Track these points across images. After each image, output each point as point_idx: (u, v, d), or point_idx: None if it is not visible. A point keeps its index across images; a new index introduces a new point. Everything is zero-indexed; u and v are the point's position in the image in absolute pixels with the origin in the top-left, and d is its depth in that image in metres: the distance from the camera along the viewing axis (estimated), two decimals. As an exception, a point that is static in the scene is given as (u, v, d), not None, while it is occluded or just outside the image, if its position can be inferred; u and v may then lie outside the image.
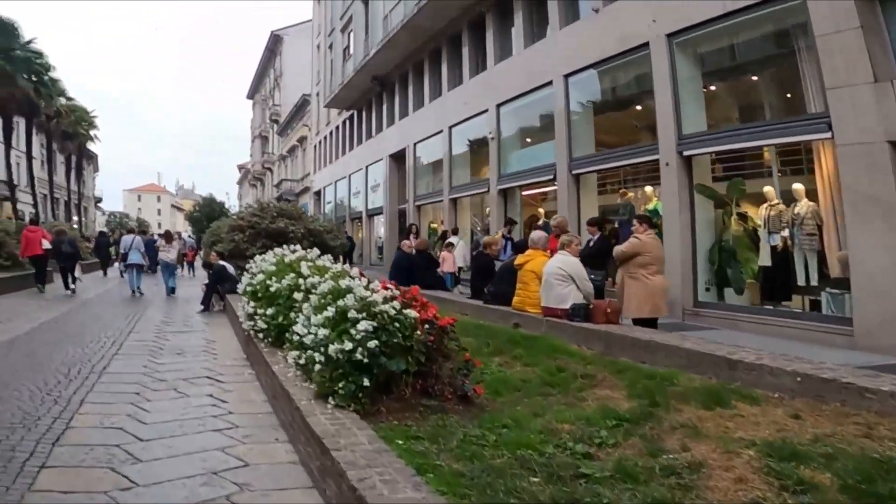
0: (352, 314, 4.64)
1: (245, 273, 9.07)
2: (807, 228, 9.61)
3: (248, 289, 8.20)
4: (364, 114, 31.60)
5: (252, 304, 7.69)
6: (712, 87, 11.99)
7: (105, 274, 25.67)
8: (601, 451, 3.77)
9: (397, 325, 4.64)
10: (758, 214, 10.60)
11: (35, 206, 38.08)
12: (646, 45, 12.06)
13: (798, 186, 9.86)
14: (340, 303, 4.84)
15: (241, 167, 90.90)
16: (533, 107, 16.81)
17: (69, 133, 43.37)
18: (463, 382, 4.99)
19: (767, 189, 10.42)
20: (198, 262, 29.24)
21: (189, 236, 40.16)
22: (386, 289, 5.06)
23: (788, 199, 10.03)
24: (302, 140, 48.04)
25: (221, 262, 14.03)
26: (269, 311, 7.01)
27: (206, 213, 47.74)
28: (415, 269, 13.07)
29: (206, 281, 14.78)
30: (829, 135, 8.79)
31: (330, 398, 4.43)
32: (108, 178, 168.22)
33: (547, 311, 8.11)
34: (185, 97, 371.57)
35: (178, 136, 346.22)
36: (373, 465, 3.25)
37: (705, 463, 3.47)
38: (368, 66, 26.78)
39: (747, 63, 11.33)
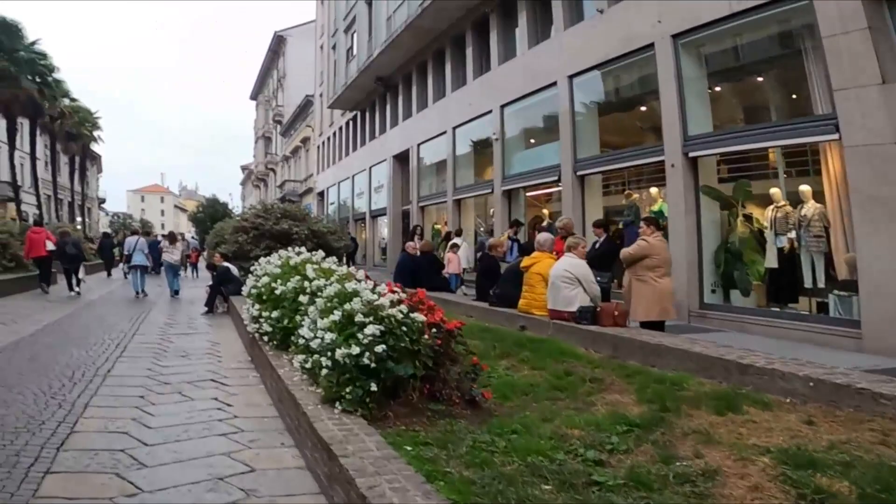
0: (359, 318, 4.60)
1: (250, 275, 9.03)
2: (814, 230, 9.55)
3: (253, 291, 8.16)
4: (367, 115, 31.58)
5: (257, 306, 7.65)
6: (718, 88, 11.93)
7: (109, 275, 25.68)
8: (613, 457, 3.72)
9: (405, 329, 4.60)
10: (764, 216, 10.53)
11: (39, 207, 38.10)
12: (651, 45, 12.01)
13: (805, 188, 9.80)
14: (347, 306, 4.79)
15: (244, 168, 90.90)
16: (537, 108, 16.76)
17: (73, 134, 43.37)
18: (471, 387, 4.95)
19: (774, 191, 10.37)
20: (201, 264, 29.25)
21: (192, 237, 40.21)
22: (393, 292, 5.02)
23: (795, 200, 9.98)
24: (305, 141, 48.05)
25: (225, 264, 14.00)
26: (275, 314, 6.97)
27: (210, 213, 47.85)
28: (419, 270, 13.03)
29: (210, 282, 14.75)
30: (836, 136, 8.73)
31: (337, 403, 4.38)
32: (111, 178, 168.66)
33: (553, 313, 8.05)
34: (187, 97, 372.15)
35: (178, 136, 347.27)
36: (382, 473, 3.21)
37: (720, 471, 3.41)
38: (372, 67, 26.77)
39: (753, 64, 11.27)
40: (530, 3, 16.97)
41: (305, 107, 46.85)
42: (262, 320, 7.27)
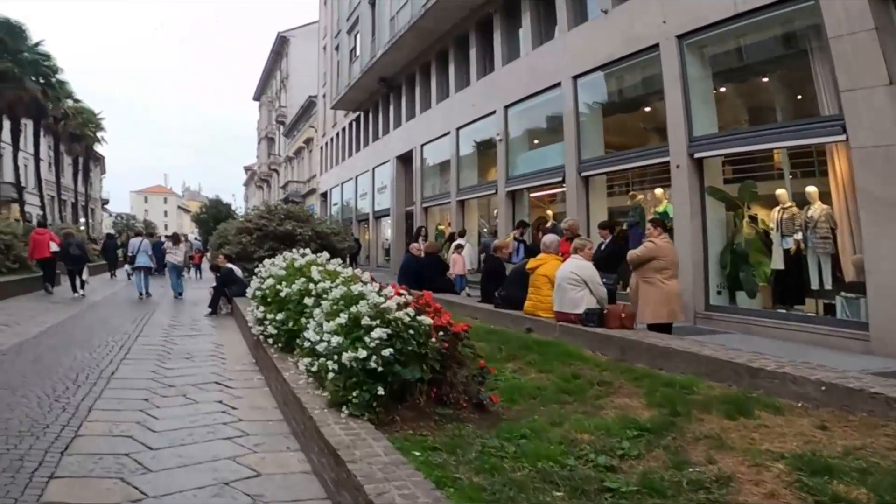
0: (365, 321, 4.55)
1: (254, 277, 8.99)
2: (820, 232, 9.48)
3: (258, 293, 8.12)
4: (371, 115, 31.54)
5: (261, 308, 7.60)
6: (723, 89, 11.86)
7: (113, 276, 25.68)
8: (624, 463, 3.66)
9: (412, 332, 4.55)
10: (770, 217, 10.47)
11: (42, 208, 38.14)
12: (656, 46, 11.94)
13: (811, 189, 9.74)
14: (353, 309, 4.75)
15: (247, 169, 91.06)
16: (541, 108, 16.70)
17: (76, 135, 43.50)
18: (478, 390, 4.90)
19: (780, 192, 10.30)
20: (205, 265, 29.24)
21: (196, 238, 40.21)
22: (399, 294, 4.97)
23: (801, 201, 9.91)
24: (308, 142, 48.07)
25: (229, 265, 13.97)
26: (279, 317, 6.92)
27: (213, 214, 47.91)
28: (423, 272, 12.99)
29: (214, 284, 14.73)
30: (843, 137, 8.67)
31: (344, 407, 4.33)
32: (113, 179, 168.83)
33: (560, 315, 8.00)
34: (187, 97, 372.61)
35: (178, 136, 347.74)
36: (390, 479, 3.16)
37: (734, 477, 3.35)
38: (375, 68, 26.73)
39: (758, 64, 11.20)
40: (534, 4, 16.90)
41: (308, 108, 46.85)
42: (266, 322, 7.23)
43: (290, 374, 5.59)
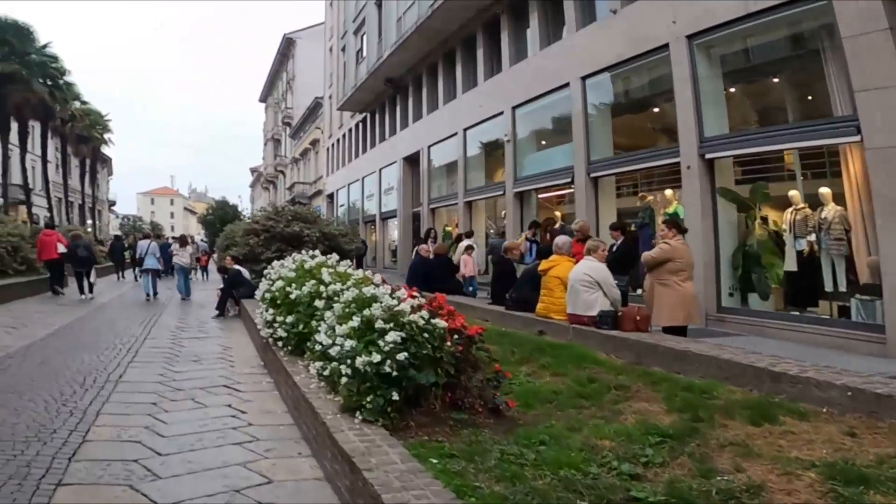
0: (379, 324, 4.45)
1: (263, 279, 8.90)
2: (834, 233, 9.38)
3: (267, 296, 8.03)
4: (377, 116, 31.50)
5: (271, 311, 7.51)
6: (734, 89, 11.76)
7: (121, 277, 25.70)
8: (649, 471, 3.54)
9: (426, 335, 4.44)
10: (782, 219, 10.36)
11: (50, 209, 38.21)
12: (665, 46, 11.86)
13: (825, 190, 9.64)
14: (366, 312, 4.65)
15: (253, 170, 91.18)
16: (549, 109, 16.62)
17: (84, 137, 43.52)
18: (493, 395, 4.78)
19: (793, 193, 10.19)
20: (211, 266, 29.24)
21: (202, 240, 40.21)
22: (412, 297, 4.87)
23: (813, 203, 9.81)
24: (314, 143, 48.06)
25: (236, 267, 13.91)
26: (289, 319, 6.82)
27: (220, 216, 47.87)
28: (432, 273, 12.89)
29: (221, 285, 14.66)
30: (857, 138, 8.58)
31: (357, 412, 4.23)
32: (116, 180, 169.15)
33: (573, 318, 7.88)
34: (187, 97, 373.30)
35: (178, 136, 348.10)
36: (408, 488, 3.05)
37: (764, 486, 3.23)
38: (382, 69, 26.69)
39: (770, 64, 11.13)
40: (541, 4, 16.83)
41: (315, 109, 46.84)
42: (276, 325, 7.14)
43: (300, 378, 5.50)
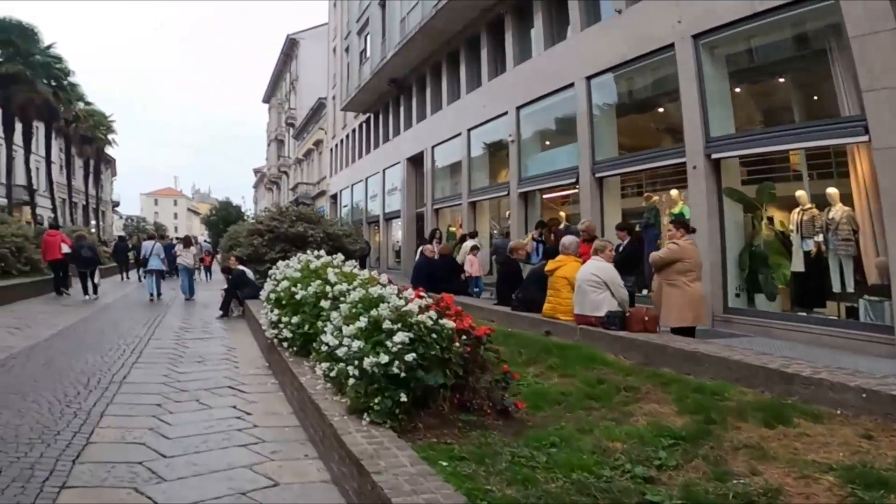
0: (387, 325, 4.40)
1: (268, 279, 8.86)
2: (842, 234, 9.30)
3: (272, 296, 7.97)
4: (381, 117, 31.44)
5: (276, 311, 7.45)
6: (740, 89, 11.68)
7: (125, 278, 25.70)
8: (663, 474, 3.48)
9: (434, 336, 4.39)
10: (789, 219, 10.29)
11: (54, 210, 38.25)
12: (671, 46, 11.79)
13: (832, 191, 9.56)
14: (374, 312, 4.60)
15: (256, 171, 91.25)
16: (553, 109, 16.56)
17: (87, 137, 43.65)
18: (502, 396, 4.73)
19: (800, 193, 10.12)
20: (214, 267, 29.24)
21: (205, 241, 40.24)
22: (419, 297, 4.82)
23: (820, 203, 9.74)
24: (318, 143, 48.02)
25: (241, 267, 13.88)
26: (295, 320, 6.77)
27: (223, 216, 47.95)
28: (437, 274, 12.84)
29: (225, 286, 14.63)
30: (865, 138, 8.51)
31: (365, 414, 4.17)
32: (118, 180, 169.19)
33: (580, 318, 7.81)
34: (186, 97, 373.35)
35: (178, 136, 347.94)
36: (419, 491, 3.00)
37: (782, 490, 3.16)
38: (385, 69, 26.61)
39: (776, 64, 11.04)
40: (546, 4, 16.75)
41: (318, 109, 46.82)
42: (281, 325, 7.09)
43: (306, 380, 5.45)
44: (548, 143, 17.48)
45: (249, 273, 13.59)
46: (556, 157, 16.43)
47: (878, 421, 4.21)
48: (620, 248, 9.55)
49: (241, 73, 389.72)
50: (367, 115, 33.46)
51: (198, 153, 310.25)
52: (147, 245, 18.71)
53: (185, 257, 18.12)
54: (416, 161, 26.33)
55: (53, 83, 33.14)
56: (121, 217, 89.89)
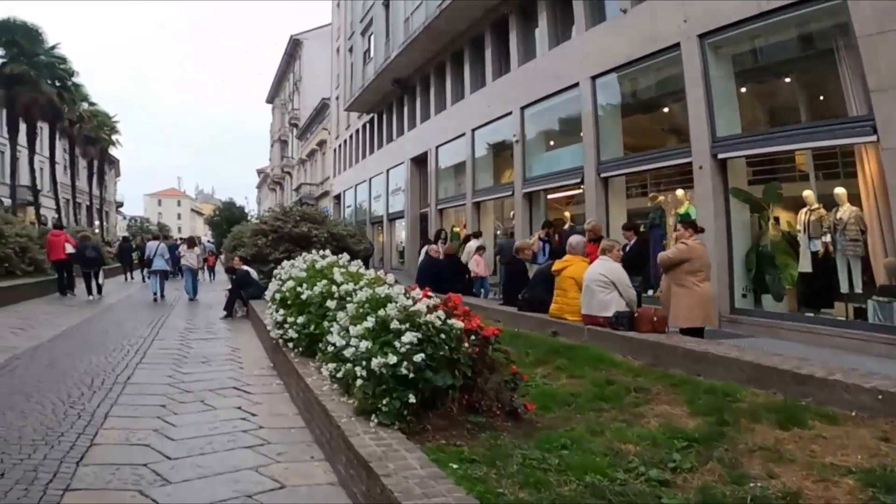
0: (394, 325, 4.34)
1: (273, 279, 8.80)
2: (850, 234, 9.23)
3: (277, 296, 7.92)
4: (385, 117, 31.40)
5: (281, 311, 7.39)
6: (746, 89, 11.60)
7: (130, 278, 25.70)
8: (678, 477, 3.41)
9: (443, 336, 4.33)
10: (796, 219, 10.21)
11: (58, 210, 38.31)
12: (676, 45, 11.73)
13: (840, 191, 9.49)
14: (381, 312, 4.54)
15: (260, 171, 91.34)
16: (558, 109, 16.49)
17: (91, 138, 43.68)
18: (511, 397, 4.67)
19: (807, 193, 10.05)
20: (218, 267, 29.22)
21: (209, 241, 40.26)
22: (427, 297, 4.76)
23: (827, 203, 9.67)
24: (321, 144, 47.99)
25: (245, 268, 13.84)
26: (300, 320, 6.71)
27: (227, 217, 47.96)
28: (442, 274, 12.77)
29: (229, 286, 14.59)
30: (873, 138, 8.46)
31: (372, 415, 4.11)
32: (122, 180, 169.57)
33: (588, 318, 7.73)
34: (186, 97, 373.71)
35: (178, 136, 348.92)
36: (430, 495, 2.94)
37: (801, 493, 3.10)
38: (389, 69, 26.57)
39: (783, 64, 10.97)
40: (550, 4, 16.69)
41: (322, 110, 46.78)
42: (286, 326, 7.03)
43: (312, 380, 5.39)
44: (552, 143, 17.41)
45: (253, 273, 13.55)
46: (561, 157, 16.37)
47: (894, 423, 4.13)
48: (627, 249, 9.48)
49: (241, 73, 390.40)
50: (371, 115, 33.43)
51: (198, 153, 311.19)
52: (151, 245, 18.68)
53: (189, 258, 18.09)
54: (419, 161, 26.29)
55: (58, 83, 33.18)
56: (124, 217, 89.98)
